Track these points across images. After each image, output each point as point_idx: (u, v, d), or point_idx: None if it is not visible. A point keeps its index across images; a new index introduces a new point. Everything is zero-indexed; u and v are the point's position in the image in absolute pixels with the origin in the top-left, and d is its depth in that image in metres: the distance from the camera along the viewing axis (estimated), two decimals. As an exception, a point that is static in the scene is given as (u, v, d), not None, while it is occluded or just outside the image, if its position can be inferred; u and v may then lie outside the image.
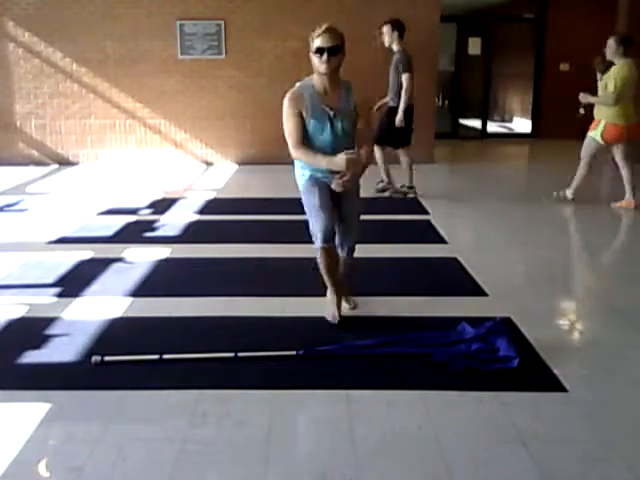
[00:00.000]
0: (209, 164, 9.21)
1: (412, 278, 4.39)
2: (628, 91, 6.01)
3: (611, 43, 6.00)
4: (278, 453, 2.41)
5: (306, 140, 3.39)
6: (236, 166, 9.10)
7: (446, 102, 13.61)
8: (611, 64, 6.13)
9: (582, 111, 6.37)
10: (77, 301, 3.91)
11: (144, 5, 8.74)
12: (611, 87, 5.98)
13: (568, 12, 11.52)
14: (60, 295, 4.01)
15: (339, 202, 3.52)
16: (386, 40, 6.34)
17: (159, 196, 7.02)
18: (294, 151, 3.40)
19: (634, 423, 2.63)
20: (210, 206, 6.62)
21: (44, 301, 3.91)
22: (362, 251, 4.82)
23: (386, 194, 7.03)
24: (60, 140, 9.13)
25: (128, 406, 2.75)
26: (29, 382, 2.95)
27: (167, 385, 2.90)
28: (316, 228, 3.45)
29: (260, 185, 7.59)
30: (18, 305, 3.82)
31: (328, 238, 3.44)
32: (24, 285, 4.21)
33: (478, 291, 4.10)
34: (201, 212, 6.32)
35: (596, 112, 6.33)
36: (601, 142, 6.28)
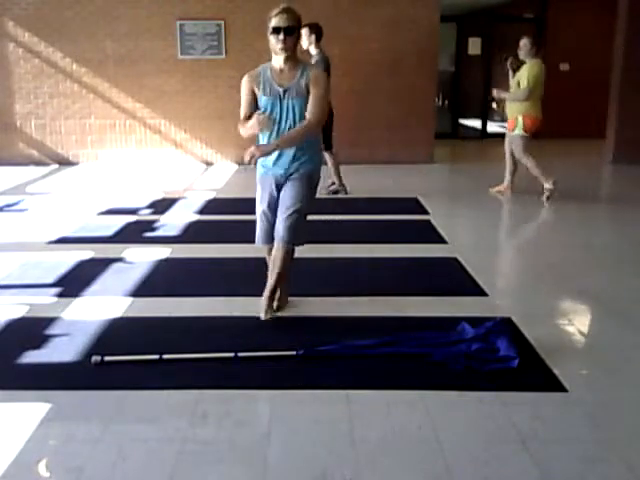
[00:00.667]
0: (209, 164, 9.21)
1: (412, 278, 4.39)
2: (539, 88, 6.50)
3: (525, 43, 6.49)
4: (278, 453, 2.41)
5: None
6: (236, 166, 9.10)
7: (446, 102, 13.62)
8: (522, 63, 6.59)
9: (495, 106, 6.77)
10: (77, 301, 3.91)
11: (144, 5, 8.74)
12: (524, 83, 6.40)
13: (568, 12, 11.52)
14: (60, 295, 4.01)
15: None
16: (304, 43, 6.41)
17: (159, 196, 7.02)
18: (239, 125, 3.50)
19: (634, 423, 2.63)
20: (210, 206, 6.62)
21: (44, 301, 3.91)
22: (363, 251, 4.84)
23: (339, 195, 7.00)
24: (60, 140, 9.13)
25: (128, 406, 2.75)
26: (29, 382, 2.95)
27: (167, 385, 2.90)
28: (256, 227, 3.62)
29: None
30: (18, 305, 3.82)
31: (264, 241, 3.62)
32: (24, 285, 4.21)
33: (478, 291, 4.10)
34: (201, 212, 6.32)
35: (509, 110, 6.66)
36: (526, 135, 6.65)
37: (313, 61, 6.37)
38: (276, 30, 3.34)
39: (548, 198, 6.61)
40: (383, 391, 2.86)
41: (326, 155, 6.59)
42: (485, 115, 12.63)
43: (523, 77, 6.43)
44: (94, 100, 8.98)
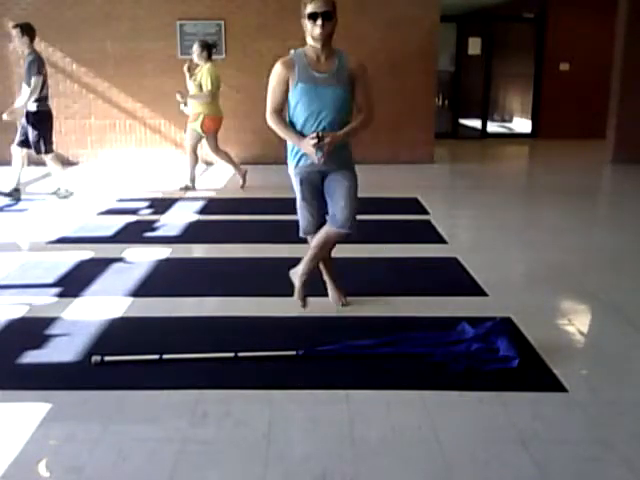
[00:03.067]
0: (209, 164, 9.21)
1: (412, 278, 4.39)
2: (217, 89, 6.94)
3: (196, 48, 6.88)
4: (278, 453, 2.41)
5: (294, 110, 3.39)
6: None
7: (446, 102, 13.62)
8: (197, 66, 6.99)
9: (183, 107, 7.13)
10: (77, 301, 3.91)
11: (144, 5, 8.74)
12: (208, 86, 6.79)
13: (568, 12, 11.52)
14: (60, 295, 4.01)
15: (327, 180, 3.52)
16: (17, 44, 6.56)
17: (159, 196, 7.02)
18: (269, 116, 3.43)
19: (634, 423, 2.63)
20: (210, 206, 6.62)
21: (44, 301, 3.91)
22: (363, 251, 4.84)
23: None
24: (60, 140, 9.10)
25: (128, 406, 2.75)
26: (29, 382, 2.95)
27: (167, 385, 2.90)
28: (300, 220, 3.60)
29: (260, 185, 7.58)
30: (18, 305, 3.82)
31: (308, 231, 3.61)
32: (24, 285, 4.21)
33: (478, 291, 4.10)
34: (201, 212, 6.32)
35: (194, 107, 7.00)
36: (202, 134, 7.07)
37: (27, 61, 6.51)
38: (313, 16, 3.22)
39: (186, 188, 7.24)
40: (383, 391, 2.86)
41: (44, 158, 6.78)
42: (485, 115, 12.64)
43: (205, 80, 6.82)
44: (94, 100, 8.98)
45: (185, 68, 7.00)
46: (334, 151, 3.35)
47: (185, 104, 7.05)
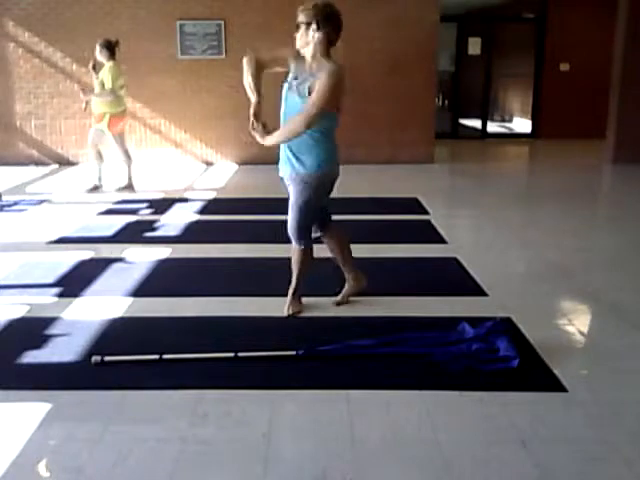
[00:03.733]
0: (209, 164, 9.21)
1: (412, 278, 4.39)
2: (120, 88, 6.94)
3: (98, 47, 6.90)
4: (278, 453, 2.41)
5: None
6: (236, 166, 9.10)
7: (446, 102, 13.62)
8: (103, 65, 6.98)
9: (84, 106, 7.15)
10: (77, 301, 3.91)
11: (144, 5, 8.74)
12: (109, 84, 6.78)
13: (568, 12, 11.52)
14: (60, 295, 4.01)
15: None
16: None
17: (159, 196, 7.02)
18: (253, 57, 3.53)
19: (634, 423, 2.63)
20: (210, 206, 6.62)
21: (44, 301, 3.91)
22: (363, 251, 4.83)
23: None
24: (60, 140, 9.13)
25: (128, 406, 2.75)
26: (29, 382, 2.95)
27: (167, 385, 2.90)
28: (307, 225, 3.58)
29: (260, 185, 7.58)
30: (18, 305, 3.82)
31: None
32: (24, 285, 4.21)
33: (478, 291, 4.10)
34: (201, 212, 6.32)
35: (97, 107, 6.97)
36: (108, 133, 7.04)
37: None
38: (296, 26, 3.33)
39: (95, 188, 7.22)
40: (383, 391, 2.86)
41: None
42: (485, 115, 12.64)
43: (107, 78, 6.82)
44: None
45: (90, 66, 7.03)
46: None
47: (87, 102, 7.04)
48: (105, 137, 7.10)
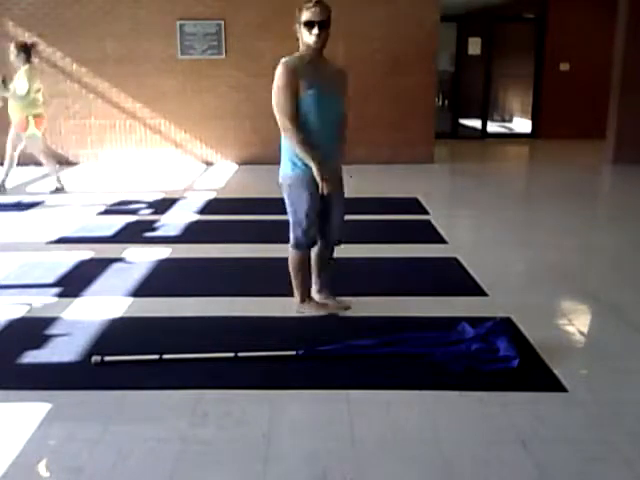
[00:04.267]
0: (209, 164, 9.21)
1: (412, 278, 4.39)
2: (36, 90, 6.86)
3: (12, 49, 6.82)
4: (278, 453, 2.41)
5: (304, 119, 3.32)
6: (236, 166, 9.10)
7: (446, 102, 13.62)
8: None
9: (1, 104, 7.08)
10: (77, 301, 3.91)
11: (144, 5, 8.74)
12: (25, 87, 6.71)
13: (568, 12, 11.52)
14: (60, 295, 4.01)
15: (325, 201, 3.50)
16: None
17: (159, 196, 7.02)
18: (292, 128, 3.26)
19: (634, 423, 2.63)
20: (210, 206, 6.62)
21: (44, 301, 3.91)
22: (363, 251, 4.84)
23: None
24: (60, 140, 9.13)
25: (128, 406, 2.75)
26: (29, 382, 2.95)
27: (167, 385, 2.90)
28: (302, 230, 3.50)
29: (260, 185, 7.58)
30: (18, 305, 3.82)
31: (311, 243, 3.56)
32: (24, 285, 4.21)
33: (478, 291, 4.10)
34: (201, 212, 6.32)
35: (14, 111, 6.86)
36: (40, 135, 7.04)
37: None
38: (310, 24, 3.21)
39: (57, 190, 7.19)
40: (383, 391, 2.86)
41: None
42: (485, 115, 12.64)
43: (22, 81, 6.73)
44: (94, 100, 8.98)
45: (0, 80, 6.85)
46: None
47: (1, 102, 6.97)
48: (39, 143, 7.05)
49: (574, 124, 11.58)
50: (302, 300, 3.69)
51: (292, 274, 3.65)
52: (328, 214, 3.55)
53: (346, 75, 3.51)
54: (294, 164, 3.40)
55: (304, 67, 3.28)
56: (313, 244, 3.59)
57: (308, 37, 3.25)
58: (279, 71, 3.28)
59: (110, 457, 2.37)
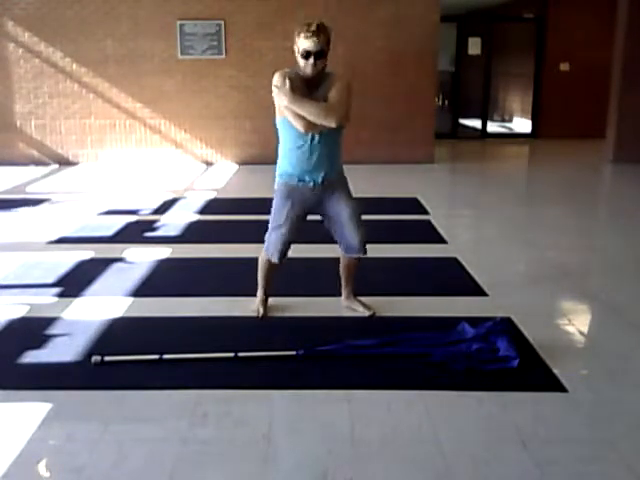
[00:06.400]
0: (209, 164, 9.21)
1: (412, 278, 4.39)
2: None
3: None
4: (278, 453, 2.41)
5: (285, 135, 3.34)
6: (236, 166, 9.10)
7: (446, 102, 13.62)
8: None
9: None
10: (77, 301, 3.91)
11: (144, 5, 8.74)
12: None
13: (568, 12, 11.52)
14: (60, 295, 4.01)
15: (327, 207, 3.47)
16: None
17: (159, 196, 7.02)
18: (281, 91, 3.17)
19: (634, 423, 2.63)
20: (210, 206, 6.62)
21: (44, 301, 3.91)
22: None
23: None
24: (60, 140, 9.13)
25: (128, 406, 2.75)
26: (29, 382, 2.95)
27: (167, 385, 2.90)
28: (272, 241, 3.50)
29: (260, 185, 7.57)
30: (18, 305, 3.82)
31: (281, 256, 3.52)
32: (24, 285, 4.21)
33: (478, 291, 4.10)
34: (201, 212, 6.32)
35: None
36: None
37: None
38: (306, 54, 3.12)
39: None
40: (383, 391, 2.86)
41: None
42: (485, 115, 12.64)
43: None
44: (94, 100, 8.98)
45: None
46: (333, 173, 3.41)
47: None
48: None
49: (574, 124, 11.57)
50: (260, 300, 3.71)
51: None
52: (337, 218, 3.50)
53: (340, 80, 3.27)
54: (280, 175, 3.46)
55: (297, 84, 3.22)
56: (281, 259, 3.53)
57: (304, 66, 3.19)
58: (274, 77, 3.25)
59: (110, 457, 2.37)
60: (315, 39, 3.11)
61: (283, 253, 3.52)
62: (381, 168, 8.64)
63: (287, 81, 3.19)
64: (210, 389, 2.87)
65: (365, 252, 3.60)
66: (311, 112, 3.16)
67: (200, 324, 3.59)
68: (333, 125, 3.18)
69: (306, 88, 3.25)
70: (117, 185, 7.70)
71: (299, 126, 3.22)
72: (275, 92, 3.23)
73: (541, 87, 12.14)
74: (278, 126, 3.39)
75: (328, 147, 3.36)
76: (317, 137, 3.29)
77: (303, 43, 3.13)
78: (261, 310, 3.67)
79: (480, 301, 3.95)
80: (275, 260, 3.53)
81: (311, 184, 3.39)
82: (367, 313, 3.68)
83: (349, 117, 3.30)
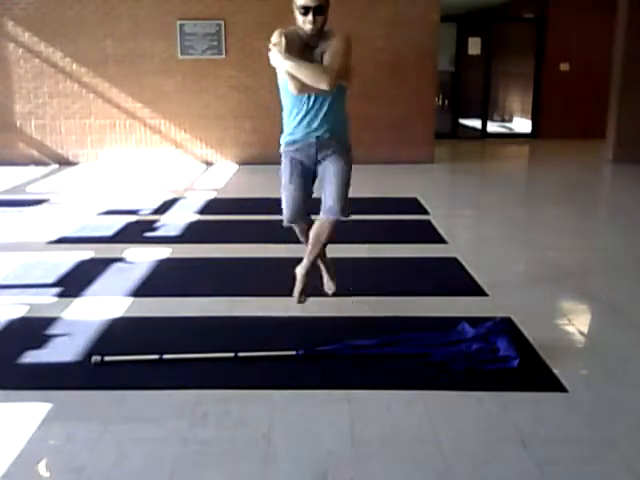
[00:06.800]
0: (209, 164, 9.21)
1: (412, 278, 4.39)
2: None
3: None
4: (278, 453, 2.41)
5: (285, 96, 3.32)
6: (236, 166, 9.10)
7: (446, 102, 13.62)
8: None
9: None
10: (77, 301, 3.91)
11: (144, 5, 8.74)
12: None
13: (568, 12, 11.52)
14: (60, 295, 4.01)
15: (321, 167, 3.43)
16: None
17: (159, 196, 7.02)
18: (283, 58, 3.15)
19: (634, 423, 2.63)
20: (210, 206, 6.62)
21: (44, 301, 3.91)
22: (363, 251, 4.84)
23: None
24: (60, 140, 9.13)
25: (128, 406, 2.75)
26: (29, 382, 2.95)
27: (167, 385, 2.90)
28: (284, 200, 3.49)
29: (260, 185, 7.58)
30: (18, 305, 3.82)
31: (293, 219, 3.50)
32: (24, 285, 4.21)
33: (478, 291, 4.09)
34: (201, 212, 6.32)
35: None
36: None
37: None
38: (305, 9, 3.07)
39: None
40: (383, 391, 2.86)
41: None
42: (485, 115, 12.64)
43: None
44: (94, 100, 8.98)
45: None
46: (330, 135, 3.33)
47: None
48: None
49: (574, 124, 11.57)
50: (303, 266, 3.59)
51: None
52: (323, 176, 3.44)
53: (338, 38, 3.20)
54: (283, 137, 3.45)
55: (294, 43, 3.18)
56: (296, 219, 3.49)
57: (302, 22, 3.14)
58: (273, 35, 3.22)
59: (110, 457, 2.37)
60: None
61: (296, 212, 3.46)
62: (381, 168, 8.63)
63: (283, 39, 3.15)
64: (210, 389, 2.87)
65: (344, 215, 3.42)
66: (304, 74, 3.11)
67: (200, 324, 3.59)
68: (326, 88, 3.11)
69: (305, 47, 3.21)
70: (117, 185, 7.70)
71: (291, 87, 3.17)
72: (270, 51, 3.19)
73: (541, 87, 12.15)
74: (280, 88, 3.36)
75: (329, 107, 3.29)
76: (318, 98, 3.24)
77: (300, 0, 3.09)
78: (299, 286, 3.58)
79: (480, 301, 3.95)
80: (291, 220, 3.49)
81: (312, 139, 3.35)
82: (329, 291, 3.76)
83: (350, 77, 3.24)
